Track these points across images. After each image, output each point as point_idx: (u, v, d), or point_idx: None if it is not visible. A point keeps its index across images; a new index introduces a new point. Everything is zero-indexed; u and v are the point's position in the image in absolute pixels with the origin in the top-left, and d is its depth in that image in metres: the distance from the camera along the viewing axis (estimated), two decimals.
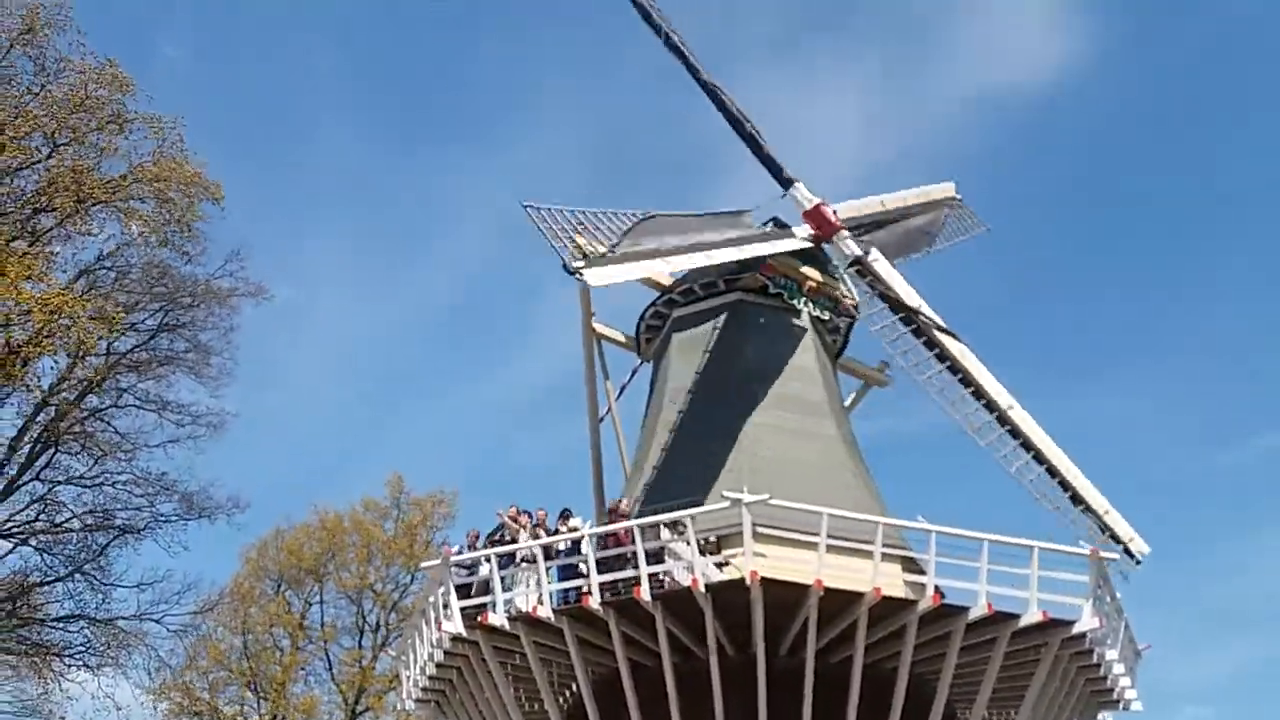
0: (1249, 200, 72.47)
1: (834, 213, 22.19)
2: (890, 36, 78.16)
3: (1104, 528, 20.53)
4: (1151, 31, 75.09)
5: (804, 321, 21.81)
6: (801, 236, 21.71)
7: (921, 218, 25.08)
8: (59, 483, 26.77)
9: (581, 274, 16.40)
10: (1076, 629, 16.66)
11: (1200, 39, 73.41)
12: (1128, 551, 20.58)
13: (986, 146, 78.34)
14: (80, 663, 27.09)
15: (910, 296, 21.54)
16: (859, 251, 21.75)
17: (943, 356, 20.98)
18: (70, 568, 27.04)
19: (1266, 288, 70.86)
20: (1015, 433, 20.71)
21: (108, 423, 27.17)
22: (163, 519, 27.70)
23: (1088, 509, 20.57)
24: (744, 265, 21.75)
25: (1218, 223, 75.11)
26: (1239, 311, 72.04)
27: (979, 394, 20.77)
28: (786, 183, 22.20)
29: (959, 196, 26.29)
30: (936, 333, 21.01)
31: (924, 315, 21.19)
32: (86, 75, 25.35)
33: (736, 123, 22.08)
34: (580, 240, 17.02)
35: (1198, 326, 75.45)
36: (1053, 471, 20.65)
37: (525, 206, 17.35)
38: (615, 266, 17.07)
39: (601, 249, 17.03)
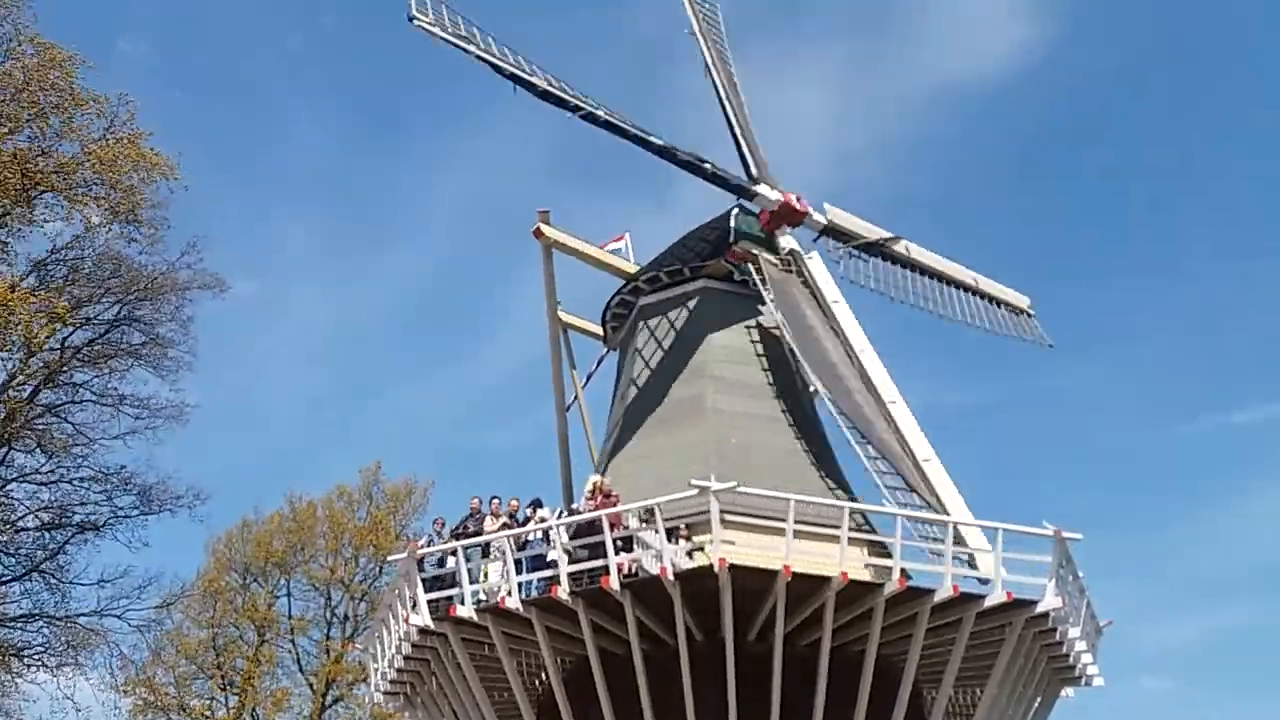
0: (1208, 180, 73.80)
1: (797, 199, 22.20)
2: (855, 25, 78.55)
3: (1007, 307, 23.47)
4: (1109, 17, 76.04)
5: (769, 308, 21.85)
6: (797, 249, 21.91)
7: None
8: (13, 480, 26.28)
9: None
10: (1040, 608, 16.88)
11: (1157, 25, 74.52)
12: (1028, 313, 23.78)
13: (951, 132, 79.03)
14: (39, 663, 26.68)
15: (869, 229, 22.86)
16: (823, 219, 22.20)
17: (902, 263, 23.00)
18: (27, 567, 26.58)
19: (1229, 264, 72.30)
20: (942, 278, 23.48)
21: (63, 418, 26.69)
22: (122, 514, 27.30)
23: (995, 300, 23.44)
24: (710, 252, 21.74)
25: (1178, 204, 76.41)
26: (1201, 291, 73.42)
27: (924, 272, 23.13)
28: (750, 195, 22.22)
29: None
30: (894, 247, 22.88)
31: (883, 240, 22.69)
32: (32, 56, 24.62)
33: (670, 155, 21.54)
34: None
35: (1160, 306, 76.84)
36: (965, 288, 23.81)
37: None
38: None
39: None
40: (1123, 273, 76.72)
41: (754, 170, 22.52)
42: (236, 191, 79.77)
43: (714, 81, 24.16)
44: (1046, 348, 24.80)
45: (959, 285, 24.37)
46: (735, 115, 23.42)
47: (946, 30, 75.36)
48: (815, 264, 21.78)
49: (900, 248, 23.49)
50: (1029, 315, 24.75)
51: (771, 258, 21.47)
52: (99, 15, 72.34)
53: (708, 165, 21.81)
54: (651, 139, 20.83)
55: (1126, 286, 76.90)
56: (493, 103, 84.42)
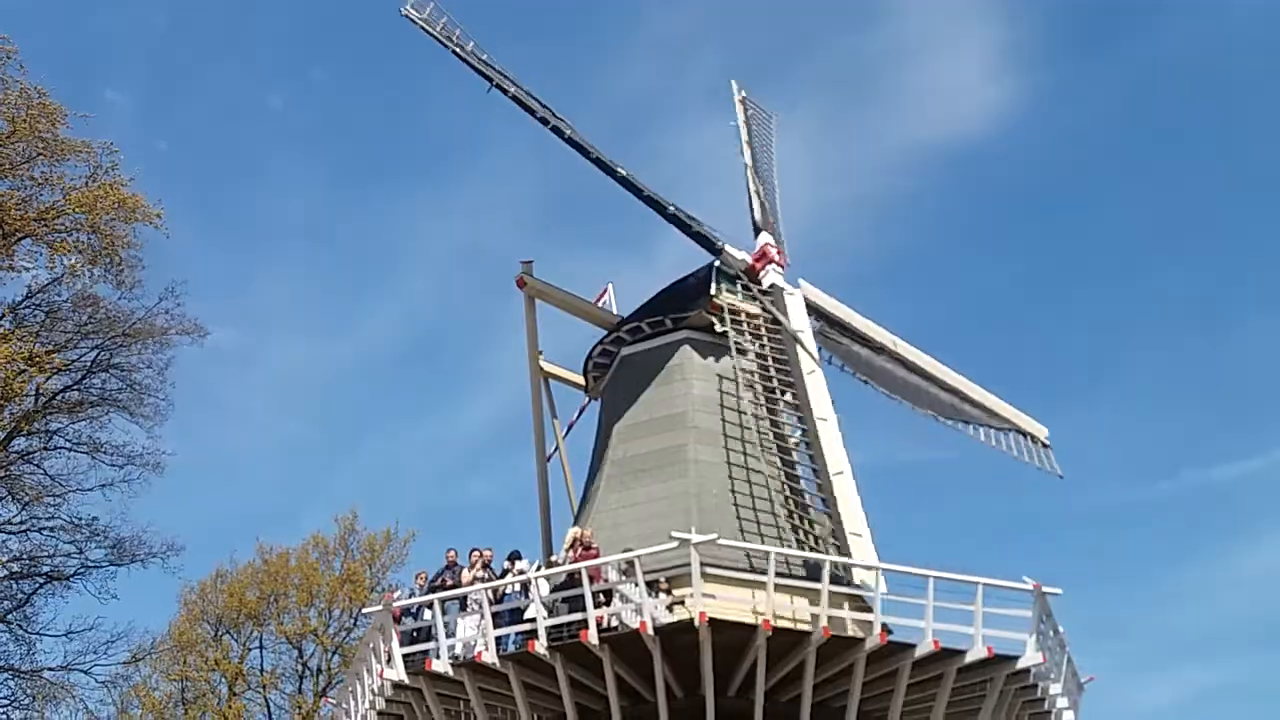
0: (1183, 238, 75.19)
1: (779, 251, 22.40)
2: (836, 84, 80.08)
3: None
4: (1083, 80, 77.96)
5: (749, 359, 21.92)
6: (781, 286, 22.16)
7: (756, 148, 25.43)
8: None
9: None
10: (1021, 664, 16.83)
11: (1122, 88, 76.39)
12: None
13: (927, 191, 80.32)
14: (4, 716, 25.98)
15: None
16: (793, 290, 22.15)
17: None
18: None
19: (1207, 320, 73.34)
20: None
21: (37, 465, 26.31)
22: (93, 565, 26.82)
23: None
24: (691, 304, 21.84)
25: (1154, 261, 77.67)
26: (1170, 349, 74.23)
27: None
28: (718, 251, 22.38)
29: (744, 94, 26.34)
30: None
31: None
32: (19, 105, 24.74)
33: (657, 206, 22.03)
34: None
35: (1138, 361, 77.59)
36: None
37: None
38: None
39: None
40: (1099, 329, 77.73)
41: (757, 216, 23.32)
42: (219, 240, 79.87)
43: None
44: (1057, 478, 24.07)
45: (960, 395, 23.95)
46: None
47: (922, 92, 77.00)
48: (795, 303, 21.93)
49: (889, 343, 23.46)
50: (1045, 446, 23.93)
51: (752, 308, 21.56)
52: (86, 64, 72.90)
53: (695, 225, 22.17)
54: (619, 170, 21.36)
55: (1103, 342, 77.83)
56: (477, 155, 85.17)
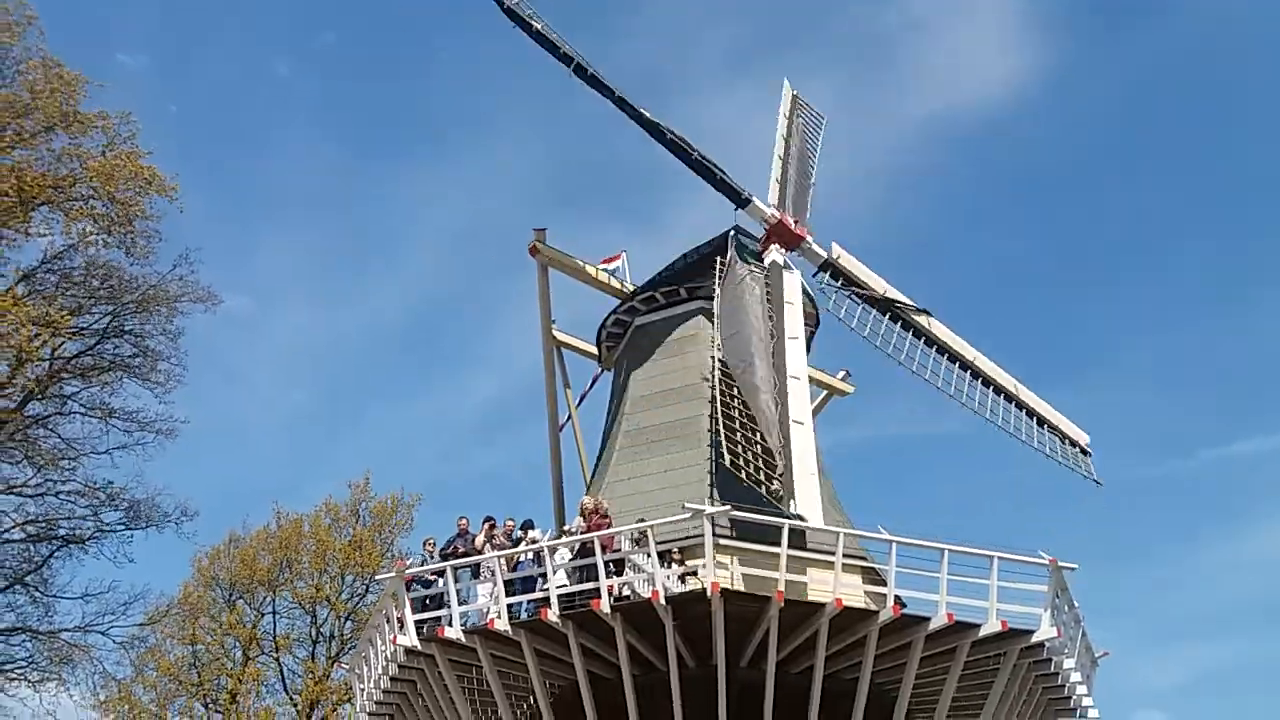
0: (1202, 214, 74.28)
1: (795, 222, 22.11)
2: (850, 56, 79.14)
3: (1064, 438, 23.10)
4: (1101, 52, 76.81)
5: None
6: (780, 263, 21.72)
7: (795, 142, 25.02)
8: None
9: None
10: (1035, 639, 16.76)
11: (1139, 60, 75.38)
12: (1084, 450, 23.32)
13: (943, 163, 79.47)
14: (22, 677, 26.31)
15: (878, 283, 22.28)
16: (824, 253, 21.90)
17: (918, 334, 22.32)
18: (10, 579, 26.27)
19: (1225, 294, 72.66)
20: (986, 381, 22.77)
21: (51, 430, 26.41)
22: (108, 529, 27.00)
23: (1052, 427, 23.02)
24: (706, 273, 21.62)
25: (1172, 237, 76.82)
26: (1186, 328, 73.62)
27: (953, 358, 22.50)
28: (744, 202, 22.04)
29: (796, 93, 26.06)
30: (913, 315, 22.36)
31: (896, 301, 22.18)
32: (38, 76, 24.63)
33: (682, 152, 21.63)
34: None
35: (1155, 338, 77.00)
36: (1019, 405, 22.99)
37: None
38: None
39: None
40: (1116, 309, 77.12)
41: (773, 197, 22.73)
42: (230, 207, 79.93)
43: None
44: (1094, 485, 23.24)
45: (1004, 393, 22.98)
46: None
47: (938, 64, 76.13)
48: (791, 280, 21.53)
49: (923, 320, 22.58)
50: (1085, 452, 23.26)
51: (755, 266, 21.33)
52: (99, 27, 72.63)
53: (718, 173, 21.80)
54: (669, 133, 21.17)
55: (1121, 319, 77.20)
56: (488, 125, 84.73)
